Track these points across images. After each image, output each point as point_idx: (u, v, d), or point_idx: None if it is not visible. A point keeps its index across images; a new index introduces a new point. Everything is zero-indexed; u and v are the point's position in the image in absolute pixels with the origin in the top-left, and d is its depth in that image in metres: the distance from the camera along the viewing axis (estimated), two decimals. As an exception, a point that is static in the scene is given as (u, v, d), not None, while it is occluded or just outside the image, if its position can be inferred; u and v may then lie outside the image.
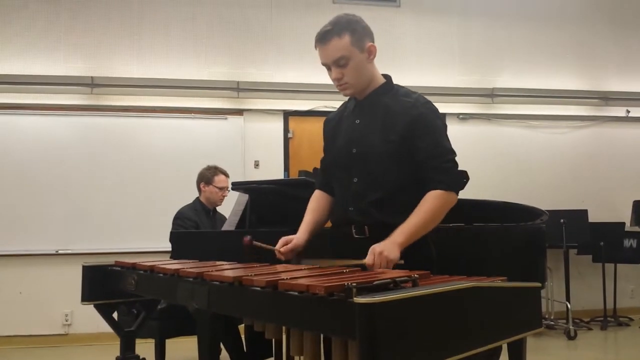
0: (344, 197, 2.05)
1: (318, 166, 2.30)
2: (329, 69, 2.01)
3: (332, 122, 2.17)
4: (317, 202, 2.18)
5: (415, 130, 1.93)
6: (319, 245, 2.08)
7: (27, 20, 5.47)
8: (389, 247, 1.79)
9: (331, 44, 1.94)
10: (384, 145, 1.95)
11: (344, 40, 1.93)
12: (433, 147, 1.93)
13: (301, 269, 1.84)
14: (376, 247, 1.80)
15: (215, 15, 5.79)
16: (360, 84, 2.01)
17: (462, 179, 1.95)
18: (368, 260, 1.79)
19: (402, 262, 1.78)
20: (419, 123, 1.94)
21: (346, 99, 2.16)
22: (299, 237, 2.07)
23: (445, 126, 2.01)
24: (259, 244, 2.02)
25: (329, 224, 2.19)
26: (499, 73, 6.30)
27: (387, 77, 2.09)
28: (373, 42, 2.01)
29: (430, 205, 1.88)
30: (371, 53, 1.99)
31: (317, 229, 2.13)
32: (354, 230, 2.00)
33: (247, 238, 2.02)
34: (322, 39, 1.96)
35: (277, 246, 2.03)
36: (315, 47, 1.99)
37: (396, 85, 2.09)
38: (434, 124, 1.96)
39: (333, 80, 2.01)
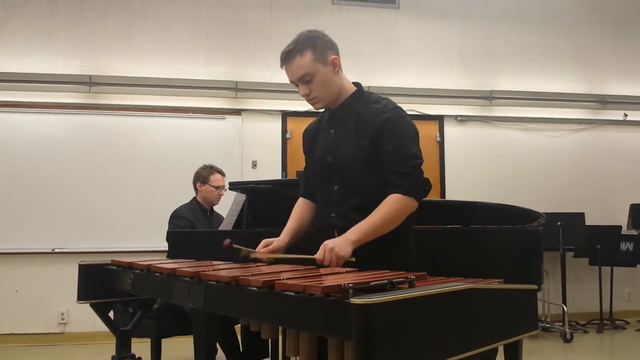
0: (325, 204, 2.10)
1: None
2: (296, 85, 2.05)
3: (310, 133, 2.24)
4: (300, 209, 2.23)
5: (381, 134, 1.97)
6: (300, 247, 2.09)
7: (25, 18, 5.46)
8: (340, 244, 1.84)
9: (294, 63, 1.99)
10: (357, 152, 2.00)
11: (306, 57, 1.98)
12: (396, 152, 1.96)
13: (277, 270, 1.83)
14: (328, 243, 1.85)
15: (214, 15, 5.79)
16: (328, 97, 2.06)
17: (423, 185, 1.98)
18: (318, 255, 1.84)
19: (354, 259, 1.82)
20: (385, 127, 1.98)
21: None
22: (281, 239, 2.10)
23: (416, 132, 2.04)
24: (238, 246, 2.04)
25: None
26: (497, 76, 6.31)
27: (358, 85, 2.14)
28: (337, 54, 2.04)
29: (388, 208, 1.92)
30: (335, 65, 2.03)
31: (299, 234, 2.17)
32: (336, 234, 2.02)
33: (227, 241, 2.03)
34: (285, 58, 2.01)
35: (258, 247, 2.05)
36: (281, 66, 2.04)
37: (367, 92, 2.14)
38: (400, 129, 1.99)
39: (302, 96, 2.06)
